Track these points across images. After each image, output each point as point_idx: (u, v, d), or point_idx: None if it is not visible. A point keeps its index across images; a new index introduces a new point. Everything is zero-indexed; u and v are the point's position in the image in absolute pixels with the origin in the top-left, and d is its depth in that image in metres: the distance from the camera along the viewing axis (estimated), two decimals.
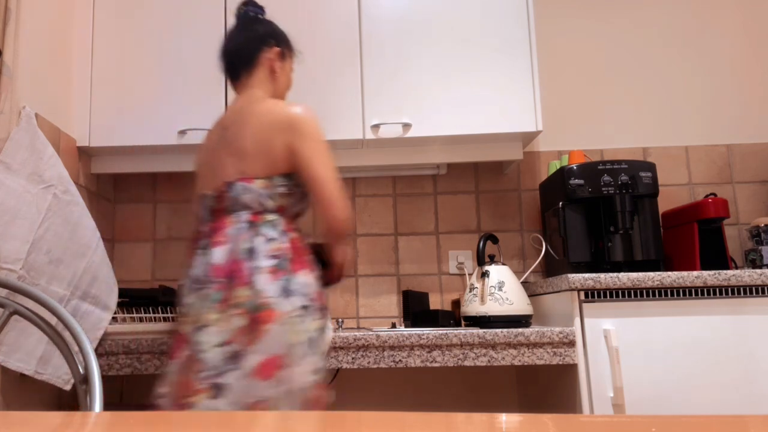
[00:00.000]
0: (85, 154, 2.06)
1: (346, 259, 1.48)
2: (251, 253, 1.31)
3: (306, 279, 1.34)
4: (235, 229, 1.34)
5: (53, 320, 1.27)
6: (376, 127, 1.99)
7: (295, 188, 1.39)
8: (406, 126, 1.99)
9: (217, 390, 1.23)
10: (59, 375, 1.55)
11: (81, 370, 1.15)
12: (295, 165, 1.36)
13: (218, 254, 1.32)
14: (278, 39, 1.54)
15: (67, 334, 1.22)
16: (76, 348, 1.19)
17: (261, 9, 1.58)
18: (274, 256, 1.32)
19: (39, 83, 1.77)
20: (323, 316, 1.36)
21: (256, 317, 1.27)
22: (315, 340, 1.31)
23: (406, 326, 1.99)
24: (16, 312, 1.25)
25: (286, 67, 1.56)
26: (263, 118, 1.38)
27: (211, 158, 1.45)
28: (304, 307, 1.31)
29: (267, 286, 1.29)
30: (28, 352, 1.48)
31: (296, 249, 1.36)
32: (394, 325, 2.04)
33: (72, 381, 1.55)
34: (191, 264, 1.39)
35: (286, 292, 1.30)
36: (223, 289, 1.29)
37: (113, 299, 1.73)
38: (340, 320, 2.11)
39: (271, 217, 1.36)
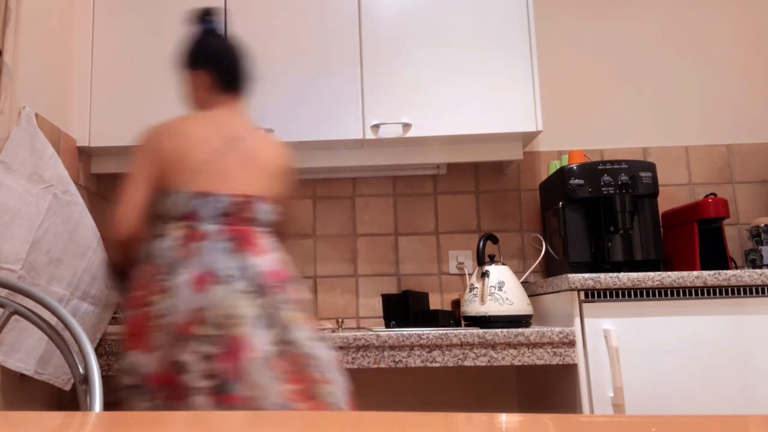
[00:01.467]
0: (85, 154, 2.06)
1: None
2: (285, 263, 1.43)
3: None
4: (268, 242, 1.42)
5: (53, 320, 1.27)
6: (376, 127, 1.99)
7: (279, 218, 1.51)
8: (406, 126, 1.99)
9: (329, 384, 1.36)
10: (59, 375, 1.55)
11: (81, 370, 1.15)
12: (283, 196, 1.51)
13: (268, 260, 1.38)
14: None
15: (67, 334, 1.22)
16: (76, 348, 1.19)
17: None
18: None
19: (39, 83, 1.77)
20: None
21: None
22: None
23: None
24: (16, 312, 1.25)
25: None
26: (276, 150, 1.52)
27: (219, 160, 1.41)
28: None
29: (302, 293, 1.43)
30: (27, 352, 1.48)
31: None
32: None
33: (72, 381, 1.55)
34: (191, 260, 1.32)
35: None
36: (289, 293, 1.37)
37: (113, 299, 1.73)
38: (340, 320, 2.11)
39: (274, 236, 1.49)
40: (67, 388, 1.57)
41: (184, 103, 1.59)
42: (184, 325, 1.25)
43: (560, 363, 1.61)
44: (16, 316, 1.26)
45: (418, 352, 1.61)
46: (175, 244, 1.34)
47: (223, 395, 1.24)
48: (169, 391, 1.25)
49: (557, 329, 1.61)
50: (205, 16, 1.55)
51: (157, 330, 1.26)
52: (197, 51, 1.53)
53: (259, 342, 1.27)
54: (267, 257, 1.38)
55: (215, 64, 1.51)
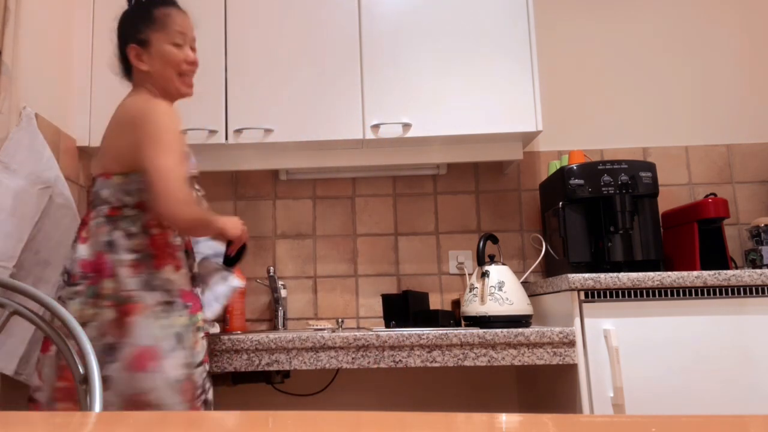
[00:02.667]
0: (85, 154, 2.06)
1: (227, 233, 1.48)
2: (111, 246, 1.34)
3: (169, 276, 1.36)
4: (95, 224, 1.37)
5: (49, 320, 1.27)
6: (376, 127, 1.99)
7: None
8: (406, 126, 1.99)
9: (102, 382, 1.23)
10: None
11: (81, 370, 1.15)
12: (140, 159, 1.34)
13: (83, 249, 1.35)
14: (132, 30, 1.47)
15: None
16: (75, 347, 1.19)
17: None
18: (134, 251, 1.34)
19: (39, 83, 1.77)
20: (193, 312, 1.37)
21: (123, 309, 1.30)
22: (183, 336, 1.33)
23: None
24: (16, 312, 1.25)
25: (153, 52, 1.45)
26: (118, 114, 1.42)
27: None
28: (168, 303, 1.33)
29: (129, 279, 1.32)
30: (9, 352, 1.47)
31: (158, 245, 1.37)
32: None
33: None
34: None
35: (149, 286, 1.33)
36: (94, 283, 1.32)
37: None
38: (340, 320, 2.11)
39: (130, 212, 1.37)
40: None
41: (173, 70, 1.54)
42: None
43: (560, 363, 1.61)
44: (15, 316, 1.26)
45: (418, 352, 1.61)
46: None
47: (46, 379, 1.34)
48: None
49: (557, 329, 1.61)
50: None
51: None
52: (135, 20, 1.51)
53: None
54: (85, 244, 1.36)
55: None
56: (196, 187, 1.51)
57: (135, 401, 1.26)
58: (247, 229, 1.55)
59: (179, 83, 1.48)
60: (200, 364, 1.36)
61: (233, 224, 1.50)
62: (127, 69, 1.50)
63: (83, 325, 1.27)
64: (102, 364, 1.24)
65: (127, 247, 1.34)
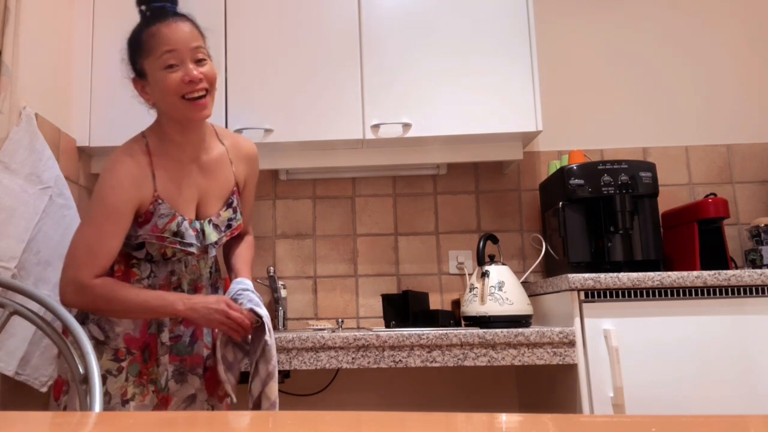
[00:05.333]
0: (85, 154, 2.05)
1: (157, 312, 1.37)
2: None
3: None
4: None
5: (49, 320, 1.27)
6: (376, 127, 1.99)
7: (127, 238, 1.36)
8: (406, 126, 1.99)
9: None
10: (37, 377, 1.54)
11: (81, 370, 1.15)
12: None
13: None
14: (129, 62, 1.40)
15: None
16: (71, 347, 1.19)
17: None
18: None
19: (39, 83, 1.77)
20: (127, 360, 1.35)
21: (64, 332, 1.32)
22: (103, 378, 1.30)
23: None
24: (16, 312, 1.25)
25: (151, 80, 1.35)
26: None
27: None
28: (98, 341, 1.37)
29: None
30: (9, 353, 1.47)
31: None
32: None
33: (49, 383, 1.56)
34: None
35: (83, 318, 1.38)
36: None
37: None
38: (340, 320, 2.11)
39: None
40: (44, 390, 1.56)
41: (171, 97, 1.49)
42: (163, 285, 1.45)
43: (560, 363, 1.61)
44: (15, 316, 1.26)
45: (418, 352, 1.61)
46: None
47: (182, 356, 1.42)
48: (146, 353, 1.41)
49: (557, 329, 1.61)
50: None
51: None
52: (129, 52, 1.45)
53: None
54: None
55: None
56: (174, 243, 1.38)
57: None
58: (236, 316, 1.33)
59: (185, 108, 1.32)
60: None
61: (208, 310, 1.32)
62: None
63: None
64: None
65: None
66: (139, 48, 1.35)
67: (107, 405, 1.31)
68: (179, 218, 1.38)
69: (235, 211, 1.49)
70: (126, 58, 1.38)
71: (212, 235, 1.44)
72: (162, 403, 1.39)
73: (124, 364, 1.35)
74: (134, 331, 1.37)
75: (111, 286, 1.30)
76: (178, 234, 1.37)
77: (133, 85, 1.39)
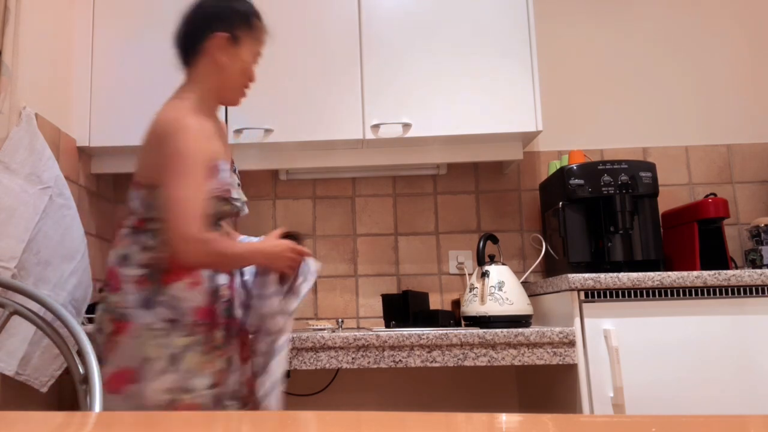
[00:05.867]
0: (85, 154, 2.06)
1: (261, 264, 1.38)
2: (125, 259, 1.29)
3: (178, 292, 1.27)
4: (121, 234, 1.33)
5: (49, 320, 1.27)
6: (376, 127, 1.99)
7: None
8: (406, 126, 1.99)
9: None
10: (37, 377, 1.55)
11: (81, 370, 1.15)
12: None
13: (111, 257, 1.33)
14: (228, 21, 1.36)
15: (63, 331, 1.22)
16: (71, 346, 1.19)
17: None
18: (144, 266, 1.28)
19: (39, 83, 1.77)
20: (199, 333, 1.28)
21: (116, 326, 1.26)
22: (179, 357, 1.25)
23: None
24: (16, 312, 1.25)
25: (241, 53, 1.37)
26: (151, 124, 1.32)
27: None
28: (171, 321, 1.25)
29: (129, 295, 1.26)
30: (9, 353, 1.47)
31: (174, 260, 1.27)
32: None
33: (49, 383, 1.56)
34: None
35: (148, 303, 1.25)
36: (104, 295, 1.31)
37: (85, 307, 1.72)
38: (340, 320, 2.11)
39: (153, 225, 1.30)
40: (44, 390, 1.56)
41: (244, 81, 1.50)
42: None
43: (560, 363, 1.61)
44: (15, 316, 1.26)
45: (418, 352, 1.61)
46: None
47: None
48: None
49: (557, 329, 1.61)
50: None
51: None
52: (240, 13, 1.43)
53: None
54: (114, 251, 1.32)
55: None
56: (235, 200, 1.38)
57: None
58: (301, 251, 1.38)
59: (238, 93, 1.42)
60: (211, 386, 1.28)
61: (280, 254, 1.35)
62: (188, 56, 1.39)
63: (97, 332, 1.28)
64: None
65: (138, 262, 1.28)
66: (248, 22, 1.38)
67: (186, 381, 1.24)
68: (235, 176, 1.41)
69: None
70: (225, 14, 1.36)
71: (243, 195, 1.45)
72: (227, 366, 1.35)
73: (197, 337, 1.28)
74: (202, 302, 1.30)
75: (220, 239, 1.29)
76: (235, 191, 1.38)
77: (215, 38, 1.35)
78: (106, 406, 1.17)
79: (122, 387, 1.22)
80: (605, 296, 1.64)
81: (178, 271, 1.28)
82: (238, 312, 1.41)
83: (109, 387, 1.21)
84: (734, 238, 2.24)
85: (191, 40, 1.37)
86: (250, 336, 1.43)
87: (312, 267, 1.42)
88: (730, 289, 1.63)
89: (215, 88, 1.39)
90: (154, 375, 1.22)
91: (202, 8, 1.38)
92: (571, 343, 1.61)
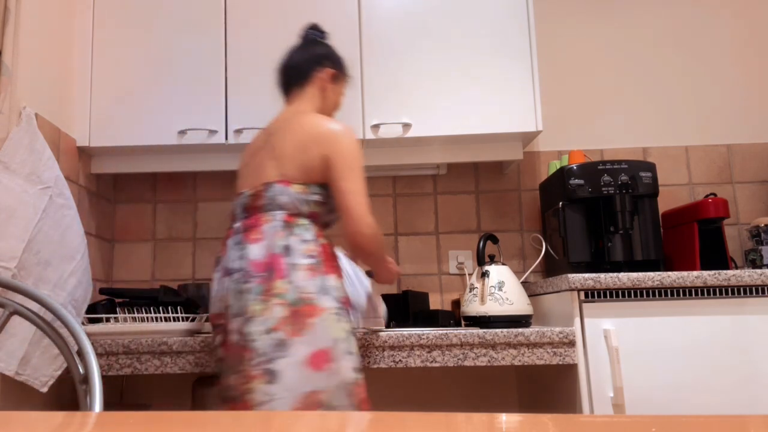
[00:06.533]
0: (85, 154, 2.06)
1: (388, 275, 1.59)
2: (288, 250, 1.39)
3: (335, 283, 1.41)
4: (270, 227, 1.41)
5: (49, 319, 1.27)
6: (376, 127, 1.99)
7: (328, 199, 1.47)
8: (406, 126, 1.99)
9: (270, 375, 1.29)
10: (37, 377, 1.54)
11: (81, 370, 1.15)
12: (328, 177, 1.44)
13: (256, 250, 1.39)
14: (334, 62, 1.64)
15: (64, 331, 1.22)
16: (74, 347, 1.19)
17: (323, 33, 1.71)
18: (310, 256, 1.39)
19: (39, 83, 1.77)
20: (349, 320, 1.44)
21: (299, 310, 1.34)
22: (351, 341, 1.39)
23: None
24: (16, 312, 1.25)
25: (337, 89, 1.65)
26: (306, 128, 1.47)
27: (253, 160, 1.54)
28: (339, 308, 1.39)
29: (305, 282, 1.36)
30: (9, 353, 1.47)
31: (327, 254, 1.43)
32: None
33: (49, 383, 1.56)
34: (223, 257, 1.47)
35: (324, 291, 1.37)
36: (263, 282, 1.36)
37: (85, 308, 1.72)
38: None
39: (303, 221, 1.43)
40: (44, 390, 1.56)
41: (335, 111, 1.69)
42: (212, 316, 1.46)
43: (560, 363, 1.61)
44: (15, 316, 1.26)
45: (418, 352, 1.61)
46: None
47: (222, 379, 1.40)
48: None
49: (557, 329, 1.61)
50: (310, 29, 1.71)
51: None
52: (341, 60, 1.68)
53: (232, 332, 1.37)
54: (261, 243, 1.40)
55: (278, 68, 1.67)
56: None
57: (307, 398, 1.29)
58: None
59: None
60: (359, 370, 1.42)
61: (394, 273, 1.60)
62: (299, 79, 1.61)
63: (249, 319, 1.34)
64: (272, 359, 1.30)
65: (302, 252, 1.39)
66: (345, 68, 1.69)
67: (358, 362, 1.39)
68: None
69: None
70: (334, 56, 1.67)
71: None
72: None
73: (351, 323, 1.44)
74: (345, 293, 1.45)
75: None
76: None
77: (326, 72, 1.62)
78: (315, 384, 1.29)
79: (324, 365, 1.31)
80: (605, 296, 1.64)
81: (331, 264, 1.43)
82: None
83: (313, 365, 1.31)
84: (734, 238, 2.24)
85: (305, 67, 1.61)
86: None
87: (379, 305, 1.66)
88: (730, 289, 1.63)
89: (318, 109, 1.60)
90: (343, 354, 1.35)
91: (316, 46, 1.66)
92: (571, 343, 1.61)
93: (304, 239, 1.41)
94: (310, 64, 1.61)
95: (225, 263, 1.45)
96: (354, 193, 1.41)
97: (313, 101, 1.59)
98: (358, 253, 1.47)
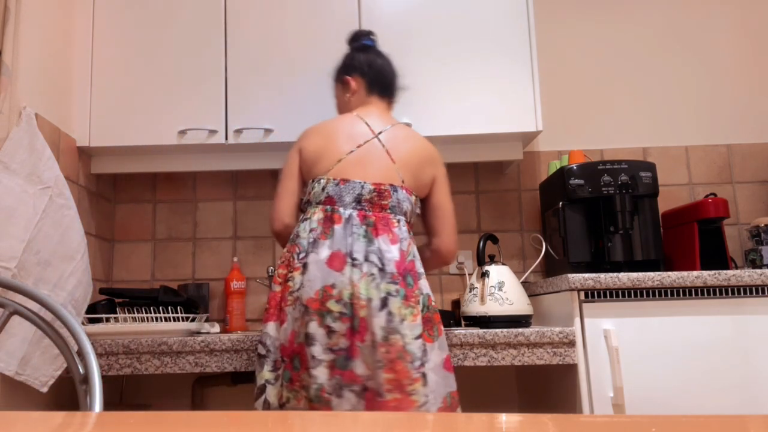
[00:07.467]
0: (85, 154, 2.06)
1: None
2: (416, 257, 1.48)
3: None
4: (400, 231, 1.47)
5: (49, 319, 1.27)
6: None
7: (419, 213, 1.60)
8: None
9: (424, 379, 1.36)
10: (37, 377, 1.54)
11: (81, 370, 1.15)
12: (430, 194, 1.59)
13: (395, 251, 1.43)
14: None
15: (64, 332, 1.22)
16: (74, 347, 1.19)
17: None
18: (422, 264, 1.51)
19: (39, 83, 1.77)
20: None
21: (430, 317, 1.43)
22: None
23: None
24: (16, 312, 1.25)
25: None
26: (419, 145, 1.58)
27: (366, 155, 1.53)
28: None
29: (429, 290, 1.47)
30: (9, 353, 1.47)
31: None
32: None
33: (49, 383, 1.55)
34: (329, 241, 1.43)
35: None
36: (404, 287, 1.40)
37: (84, 308, 1.72)
38: None
39: (409, 228, 1.54)
40: (44, 390, 1.56)
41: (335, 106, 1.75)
42: (315, 299, 1.38)
43: (560, 363, 1.61)
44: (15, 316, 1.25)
45: None
46: (316, 225, 1.46)
47: (340, 370, 1.36)
48: (296, 361, 1.39)
49: (557, 329, 1.61)
50: (362, 35, 1.75)
51: (290, 304, 1.42)
52: (350, 60, 1.69)
53: (375, 325, 1.36)
54: (397, 246, 1.44)
55: (365, 70, 1.67)
56: None
57: (446, 400, 1.40)
58: None
59: None
60: None
61: None
62: (396, 91, 1.70)
63: (400, 321, 1.37)
64: (423, 362, 1.37)
65: (420, 259, 1.50)
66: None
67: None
68: None
69: None
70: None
71: None
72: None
73: (279, 372, 1.42)
74: (285, 341, 1.42)
75: None
76: None
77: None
78: (450, 386, 1.41)
79: (452, 369, 1.44)
80: (605, 296, 1.64)
81: None
82: None
83: (448, 368, 1.43)
84: (734, 238, 2.24)
85: (397, 83, 1.71)
86: None
87: None
88: (730, 289, 1.63)
89: None
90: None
91: (390, 63, 1.72)
92: (571, 343, 1.61)
93: (412, 244, 1.50)
94: (398, 80, 1.71)
95: (341, 248, 1.42)
96: (452, 211, 1.61)
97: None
98: (441, 266, 1.66)
